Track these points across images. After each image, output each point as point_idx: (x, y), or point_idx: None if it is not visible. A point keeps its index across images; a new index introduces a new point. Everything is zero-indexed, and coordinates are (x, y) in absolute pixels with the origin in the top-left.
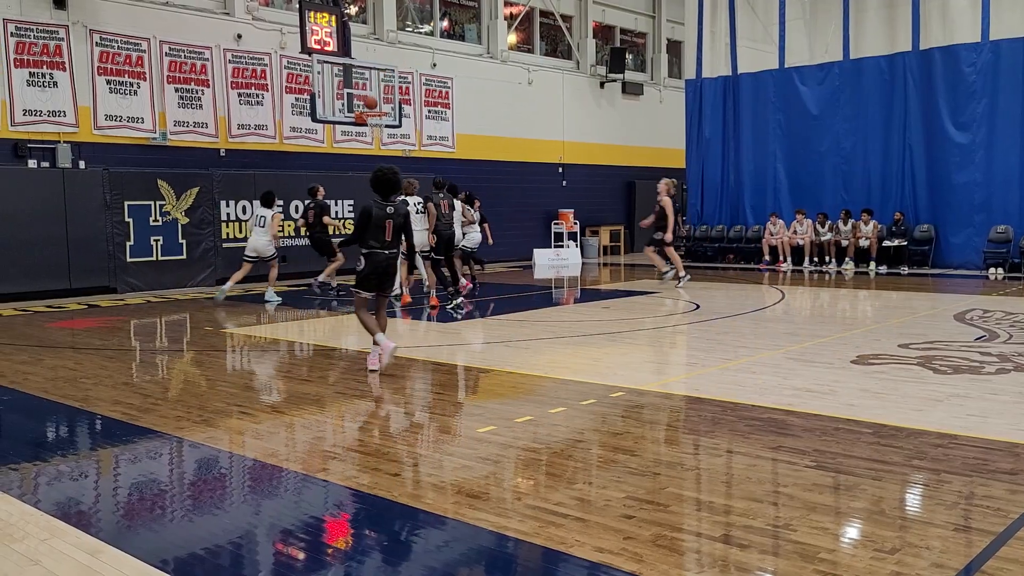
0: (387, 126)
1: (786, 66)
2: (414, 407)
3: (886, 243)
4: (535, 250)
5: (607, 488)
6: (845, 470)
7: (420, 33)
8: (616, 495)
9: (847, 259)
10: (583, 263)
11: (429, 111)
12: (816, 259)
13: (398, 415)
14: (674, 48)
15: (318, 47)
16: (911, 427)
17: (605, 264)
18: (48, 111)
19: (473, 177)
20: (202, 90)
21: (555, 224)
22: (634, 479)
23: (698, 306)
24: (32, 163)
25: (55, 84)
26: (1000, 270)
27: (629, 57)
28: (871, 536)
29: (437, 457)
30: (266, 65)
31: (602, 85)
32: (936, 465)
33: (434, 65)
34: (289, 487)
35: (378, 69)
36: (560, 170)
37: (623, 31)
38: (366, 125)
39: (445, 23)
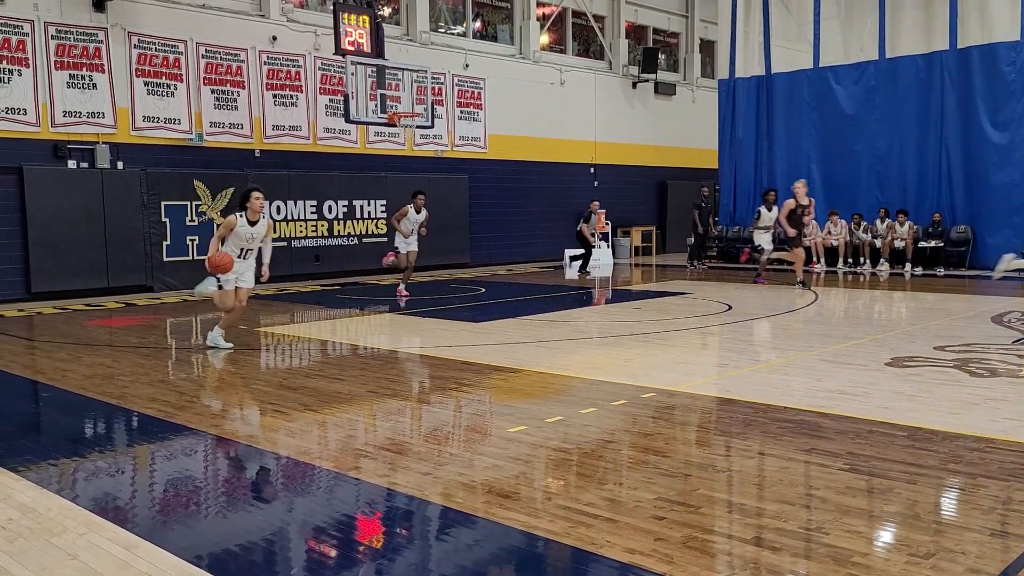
0: (419, 127)
1: (821, 65)
2: (445, 406)
3: (922, 244)
4: (567, 251)
5: (638, 489)
6: (879, 473)
7: (453, 34)
8: (647, 496)
9: (882, 260)
10: (615, 263)
11: (461, 112)
12: (851, 260)
13: (430, 414)
14: (707, 48)
15: (352, 48)
16: (946, 431)
17: (637, 264)
18: (87, 112)
19: (505, 177)
20: (237, 91)
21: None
22: (665, 480)
23: (730, 307)
24: (72, 164)
25: (94, 86)
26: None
27: (662, 57)
28: (906, 540)
29: (468, 456)
30: (300, 66)
31: (634, 85)
32: (972, 469)
33: (466, 66)
34: (322, 485)
35: (411, 70)
36: (592, 170)
37: (656, 31)
38: (399, 126)
39: (478, 24)
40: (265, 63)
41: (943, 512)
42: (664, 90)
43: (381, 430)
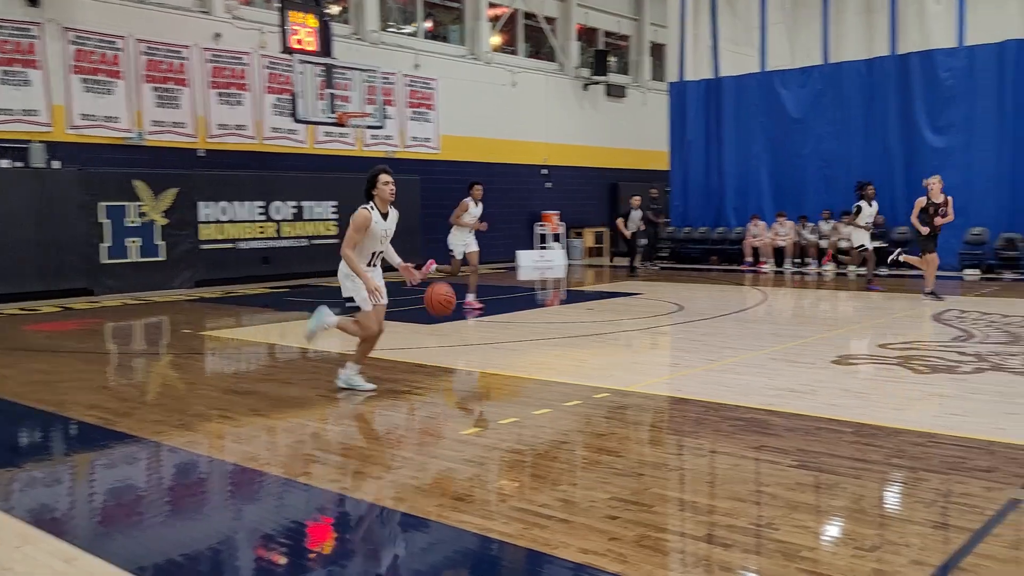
0: (370, 127)
1: (767, 69)
2: (398, 409)
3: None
4: (519, 252)
5: (592, 489)
6: (827, 469)
7: (403, 34)
8: (601, 496)
9: (827, 260)
10: (568, 264)
11: (413, 112)
12: (798, 260)
13: (382, 417)
14: (657, 51)
15: (299, 47)
16: (891, 426)
17: (590, 265)
18: (21, 110)
19: (458, 179)
20: (180, 89)
21: (539, 226)
22: (619, 480)
23: (682, 307)
24: (4, 163)
25: (28, 82)
26: (976, 271)
27: (613, 59)
28: (852, 534)
29: (421, 460)
30: (246, 65)
31: (586, 87)
32: (915, 463)
33: (417, 66)
34: (270, 491)
35: (361, 70)
36: (544, 172)
37: (607, 33)
38: (348, 126)
39: (428, 24)
40: (209, 61)
41: (887, 506)
42: (615, 92)
43: (332, 434)
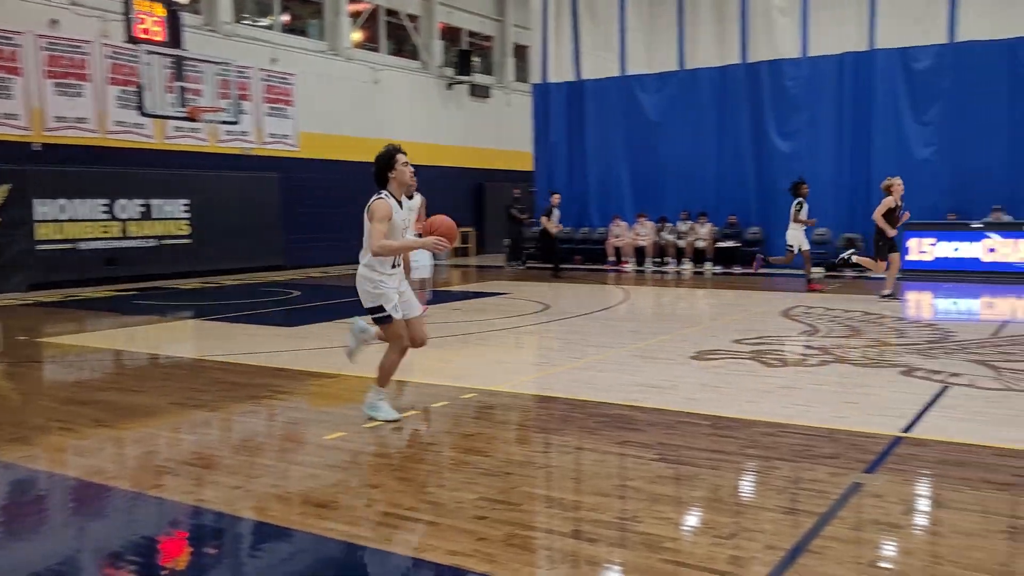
0: (224, 122)
1: (627, 74)
2: (258, 415)
3: (720, 244)
4: None
5: (459, 490)
6: (686, 461)
7: (259, 27)
8: (468, 496)
9: (685, 259)
10: (433, 265)
11: (270, 108)
12: (657, 260)
13: (240, 424)
14: (521, 52)
15: (144, 36)
16: (745, 418)
17: (455, 266)
18: None
19: (320, 177)
20: (12, 79)
21: None
22: (486, 480)
23: (547, 306)
24: None
25: None
26: (821, 269)
27: (476, 60)
28: (710, 523)
29: (283, 467)
30: (87, 54)
31: (450, 87)
32: (767, 453)
33: (274, 60)
34: (118, 506)
35: (213, 63)
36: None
37: (470, 33)
38: (200, 121)
39: (285, 17)
40: (45, 49)
41: (742, 494)
42: (479, 92)
43: (186, 444)
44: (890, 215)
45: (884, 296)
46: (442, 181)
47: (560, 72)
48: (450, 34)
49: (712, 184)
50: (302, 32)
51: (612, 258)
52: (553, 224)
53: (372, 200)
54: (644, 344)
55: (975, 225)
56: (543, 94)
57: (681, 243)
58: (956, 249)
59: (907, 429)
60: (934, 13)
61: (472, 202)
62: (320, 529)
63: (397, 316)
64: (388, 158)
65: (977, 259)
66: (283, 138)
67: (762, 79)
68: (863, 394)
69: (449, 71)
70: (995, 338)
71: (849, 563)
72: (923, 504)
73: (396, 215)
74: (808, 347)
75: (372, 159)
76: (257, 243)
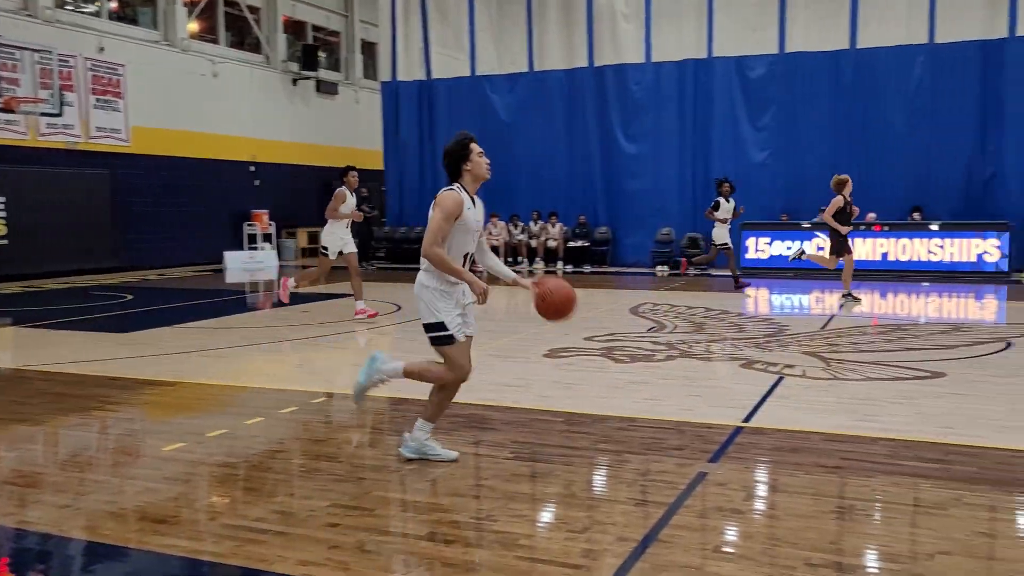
0: (44, 114)
1: (477, 74)
2: (88, 428)
3: (571, 244)
4: (226, 253)
5: (311, 498)
6: (540, 458)
7: (84, 13)
8: (320, 504)
9: (537, 259)
10: (280, 266)
11: (97, 100)
12: (510, 259)
13: (68, 438)
14: (369, 49)
15: None
16: (597, 413)
17: (304, 266)
18: None
19: (155, 174)
20: None
21: (248, 225)
22: (339, 486)
23: (400, 307)
24: None
25: None
26: (665, 267)
27: (323, 55)
28: (564, 518)
29: (116, 482)
30: None
31: (295, 82)
32: (618, 447)
33: (102, 49)
34: None
35: (32, 50)
36: (252, 168)
37: (315, 28)
38: (17, 112)
39: (114, 4)
40: None
41: (595, 488)
42: (327, 89)
43: (5, 462)
44: (840, 213)
45: (846, 296)
46: (288, 179)
47: (410, 71)
48: (294, 28)
49: (563, 184)
50: (133, 20)
51: None
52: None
53: (443, 190)
54: (498, 343)
55: (806, 225)
56: (393, 92)
57: (533, 243)
58: (789, 247)
59: (747, 419)
60: (766, 24)
61: (319, 200)
62: (159, 546)
63: (460, 338)
64: (463, 148)
65: None
66: (113, 132)
67: (608, 83)
68: (707, 387)
69: (294, 66)
70: (824, 331)
71: (695, 550)
72: (762, 490)
73: (468, 212)
74: (655, 343)
75: (214, 155)
76: (86, 244)
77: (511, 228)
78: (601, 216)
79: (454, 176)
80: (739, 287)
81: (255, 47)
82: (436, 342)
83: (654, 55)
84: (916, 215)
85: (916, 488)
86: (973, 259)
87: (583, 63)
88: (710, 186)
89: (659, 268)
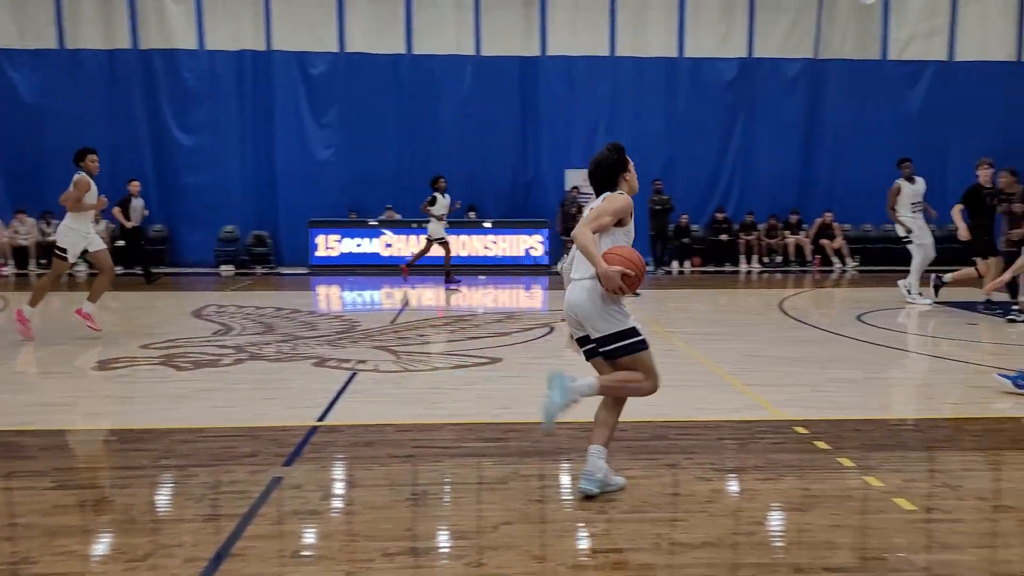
0: None
1: None
2: None
3: (118, 243)
4: None
5: None
6: (90, 484)
7: None
8: None
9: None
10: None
11: None
12: (43, 260)
13: None
14: None
15: None
16: (159, 427)
17: None
18: None
19: None
20: None
21: None
22: None
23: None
24: None
25: None
26: (231, 267)
27: None
28: (122, 547)
29: None
30: None
31: None
32: (184, 461)
33: None
34: None
35: None
36: None
37: None
38: None
39: None
40: None
41: (158, 510)
42: None
43: None
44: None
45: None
46: None
47: None
48: None
49: (107, 177)
50: None
51: None
52: (129, 219)
53: (613, 194)
54: (34, 357)
55: (372, 223)
56: None
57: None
58: (359, 245)
59: (322, 418)
60: (326, 23)
61: None
62: None
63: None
64: (622, 161)
65: (377, 253)
66: None
67: (157, 68)
68: (280, 389)
69: None
70: (393, 325)
71: (273, 559)
72: (339, 487)
73: (631, 220)
74: (222, 347)
75: None
76: None
77: (43, 227)
78: (156, 212)
79: (610, 187)
80: (450, 283)
81: None
82: (628, 351)
83: (208, 43)
84: (472, 214)
85: (479, 467)
86: (522, 253)
87: (126, 44)
88: (276, 183)
89: (224, 267)
